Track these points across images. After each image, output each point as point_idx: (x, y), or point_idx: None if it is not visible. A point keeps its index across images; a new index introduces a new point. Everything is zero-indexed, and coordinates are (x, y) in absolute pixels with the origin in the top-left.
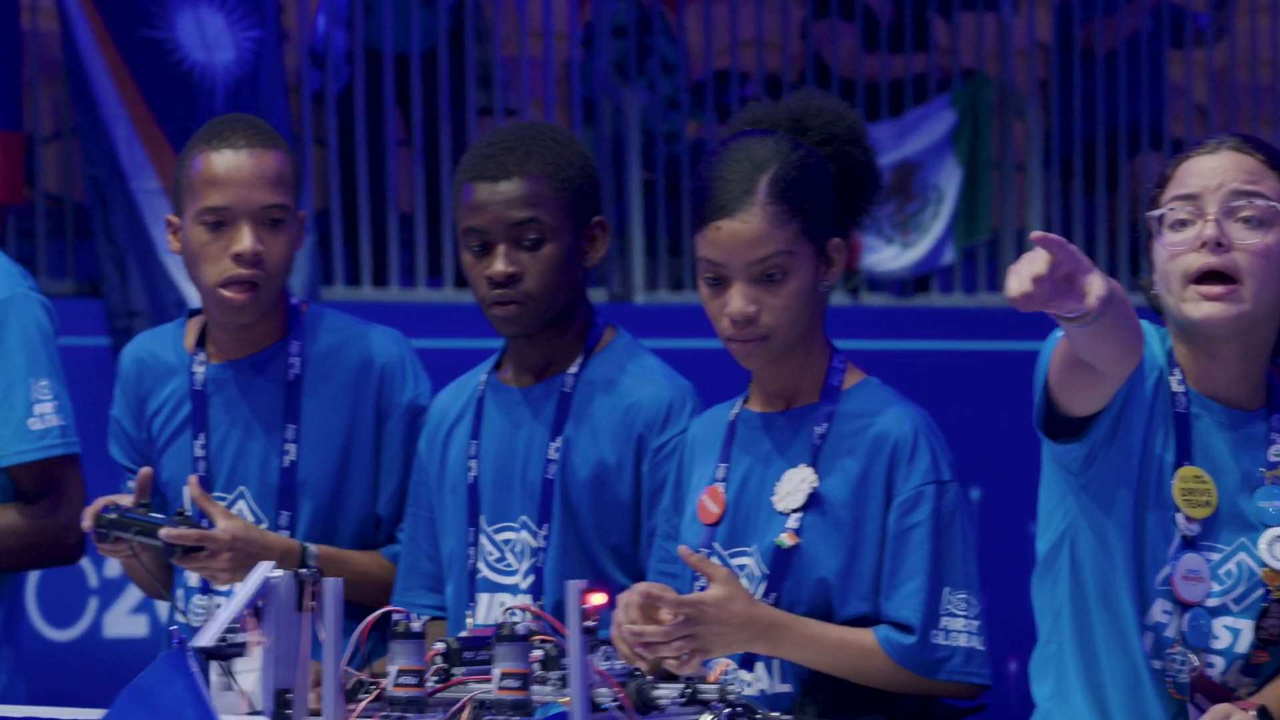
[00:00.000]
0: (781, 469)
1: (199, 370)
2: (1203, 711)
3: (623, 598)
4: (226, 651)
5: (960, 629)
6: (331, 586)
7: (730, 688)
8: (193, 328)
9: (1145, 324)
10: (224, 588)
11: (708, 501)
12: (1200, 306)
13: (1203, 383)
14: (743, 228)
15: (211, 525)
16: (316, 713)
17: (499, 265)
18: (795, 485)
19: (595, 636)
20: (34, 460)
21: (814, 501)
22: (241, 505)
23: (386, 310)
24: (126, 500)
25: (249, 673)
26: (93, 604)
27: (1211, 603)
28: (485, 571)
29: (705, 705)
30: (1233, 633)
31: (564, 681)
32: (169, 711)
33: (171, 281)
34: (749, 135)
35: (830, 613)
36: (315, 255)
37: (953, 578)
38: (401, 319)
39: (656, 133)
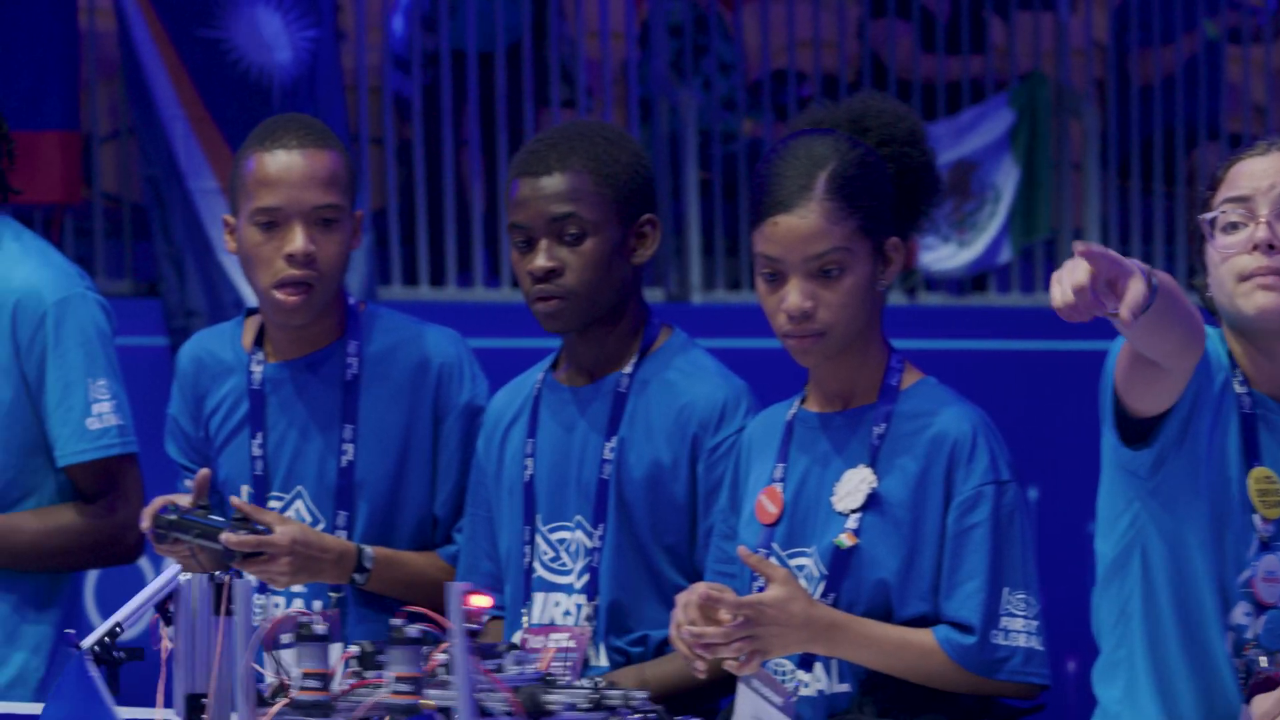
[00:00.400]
0: (840, 469)
1: (256, 370)
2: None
3: (681, 598)
4: (115, 657)
5: (1020, 629)
6: (242, 588)
7: (635, 695)
8: (250, 327)
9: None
10: (281, 589)
11: (766, 502)
12: (1254, 299)
13: (1261, 383)
14: (800, 223)
15: (268, 530)
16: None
17: (539, 260)
18: (854, 485)
19: (509, 643)
20: (92, 460)
21: (873, 502)
22: (299, 505)
23: (444, 310)
24: (184, 500)
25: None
26: None
27: None
28: (540, 571)
29: (611, 710)
30: None
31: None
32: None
33: (229, 281)
34: (808, 133)
35: (889, 613)
36: (373, 255)
37: (1012, 578)
38: (459, 318)
39: (713, 132)
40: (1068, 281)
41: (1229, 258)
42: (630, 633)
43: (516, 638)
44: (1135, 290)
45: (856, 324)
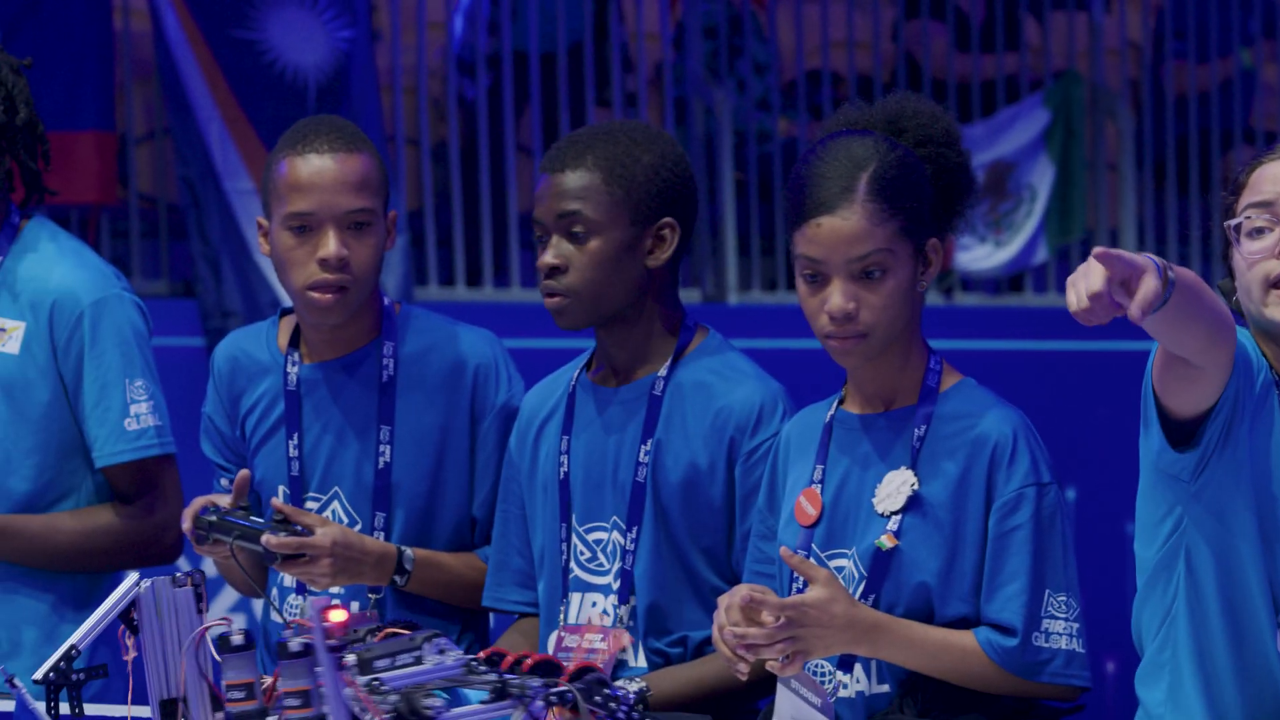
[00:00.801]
0: (881, 471)
1: (292, 371)
2: None
3: (723, 599)
4: (74, 680)
5: (1061, 631)
6: (150, 595)
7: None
8: (285, 327)
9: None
10: (321, 590)
11: (805, 504)
12: None
13: None
14: (843, 224)
15: (309, 532)
16: None
17: (546, 257)
18: (896, 487)
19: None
20: (130, 461)
21: (914, 503)
22: (336, 506)
23: (481, 310)
24: (223, 501)
25: None
26: None
27: None
28: (577, 571)
29: (519, 699)
30: None
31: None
32: None
33: (266, 282)
34: (846, 134)
35: (929, 615)
36: (409, 255)
37: (1053, 580)
38: (496, 319)
39: (748, 133)
40: (1082, 286)
41: (1255, 263)
42: (669, 634)
43: (553, 637)
44: (1147, 287)
45: (897, 325)
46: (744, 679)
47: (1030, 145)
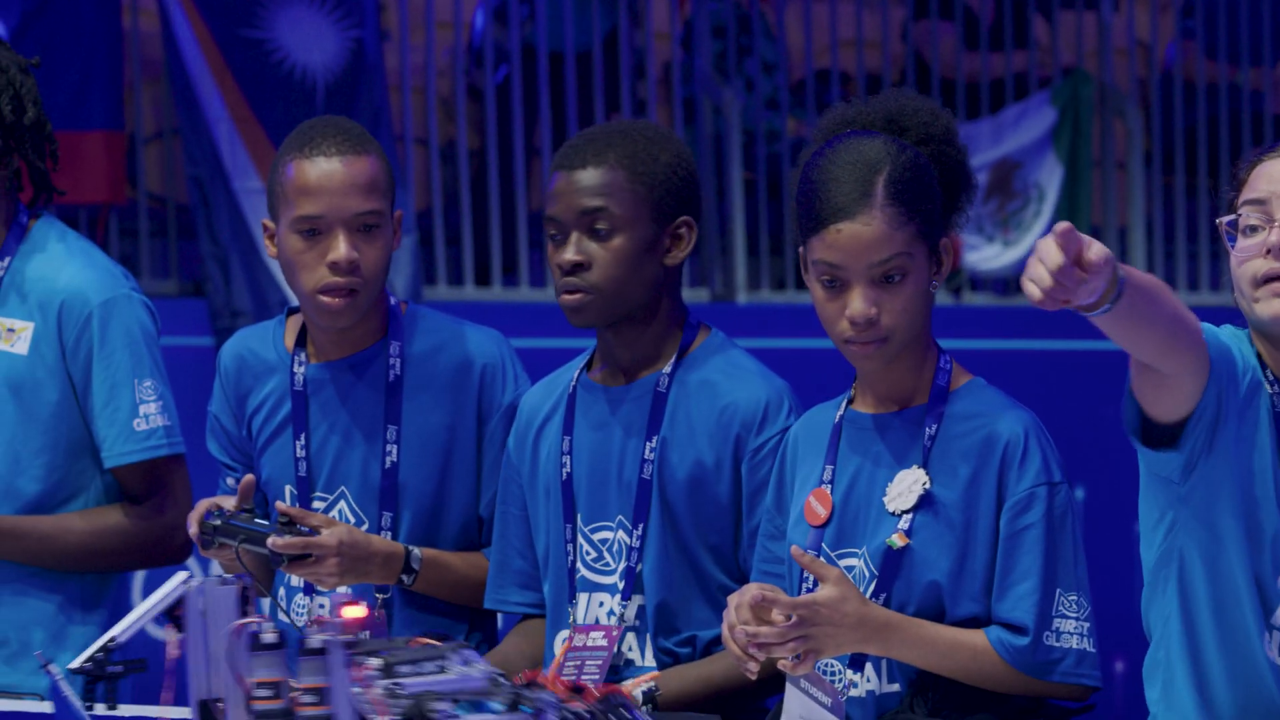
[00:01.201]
0: (892, 470)
1: (299, 371)
2: None
3: (734, 598)
4: (109, 672)
5: (1072, 630)
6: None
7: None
8: (292, 326)
9: (1231, 328)
10: (328, 591)
11: (815, 504)
12: (1272, 304)
13: None
14: (864, 230)
15: (315, 532)
16: None
17: (568, 254)
18: (907, 486)
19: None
20: (140, 461)
21: (925, 502)
22: (342, 506)
23: (489, 310)
24: (229, 503)
25: None
26: None
27: None
28: (584, 571)
29: (533, 713)
30: None
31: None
32: None
33: (275, 281)
34: (854, 137)
35: (940, 614)
36: (417, 255)
37: (1064, 579)
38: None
39: (757, 132)
40: (1042, 270)
41: (1244, 261)
42: (678, 633)
43: (561, 637)
44: (1098, 248)
45: (916, 327)
46: (753, 678)
47: (1037, 143)
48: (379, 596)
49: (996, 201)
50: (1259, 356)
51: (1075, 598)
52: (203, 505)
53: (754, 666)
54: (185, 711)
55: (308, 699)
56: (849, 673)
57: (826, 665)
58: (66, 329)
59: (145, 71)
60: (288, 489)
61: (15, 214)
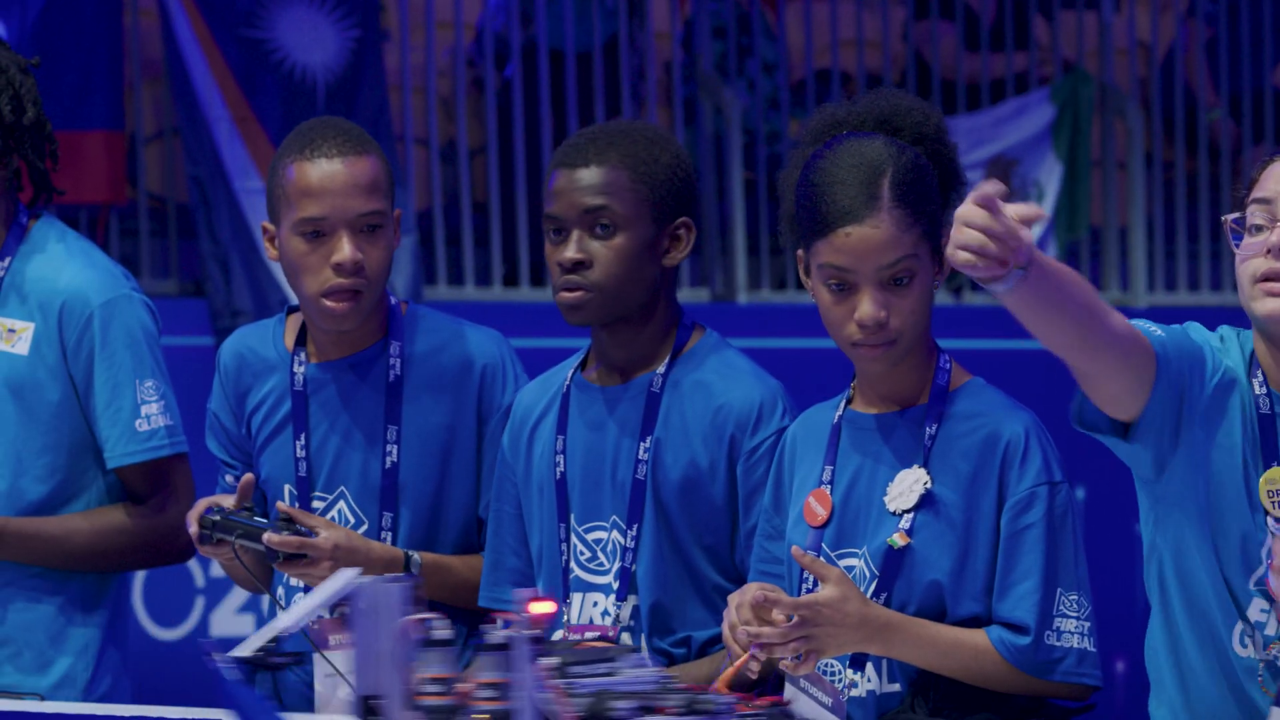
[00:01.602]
0: (892, 470)
1: (299, 370)
2: None
3: (734, 598)
4: (271, 662)
5: (1073, 630)
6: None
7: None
8: (292, 325)
9: (1226, 327)
10: None
11: (814, 504)
12: (1265, 303)
13: None
14: (873, 233)
15: (313, 534)
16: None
17: (568, 252)
18: (908, 486)
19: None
20: (142, 461)
21: (926, 502)
22: (342, 506)
23: (490, 310)
24: (228, 501)
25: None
26: (199, 603)
27: None
28: (578, 571)
29: (710, 715)
30: None
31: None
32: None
33: (275, 281)
34: (853, 138)
35: (941, 614)
36: (418, 255)
37: (1065, 578)
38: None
39: (758, 132)
40: (978, 225)
41: (1246, 259)
42: (673, 634)
43: (556, 637)
44: (1027, 206)
45: (922, 328)
46: (754, 677)
47: (1035, 141)
48: None
49: None
50: (1252, 356)
51: (1076, 597)
52: (202, 504)
53: (756, 667)
54: (219, 713)
55: (484, 694)
56: (850, 672)
57: (827, 665)
58: (67, 330)
59: (145, 71)
60: (287, 489)
61: (15, 214)
